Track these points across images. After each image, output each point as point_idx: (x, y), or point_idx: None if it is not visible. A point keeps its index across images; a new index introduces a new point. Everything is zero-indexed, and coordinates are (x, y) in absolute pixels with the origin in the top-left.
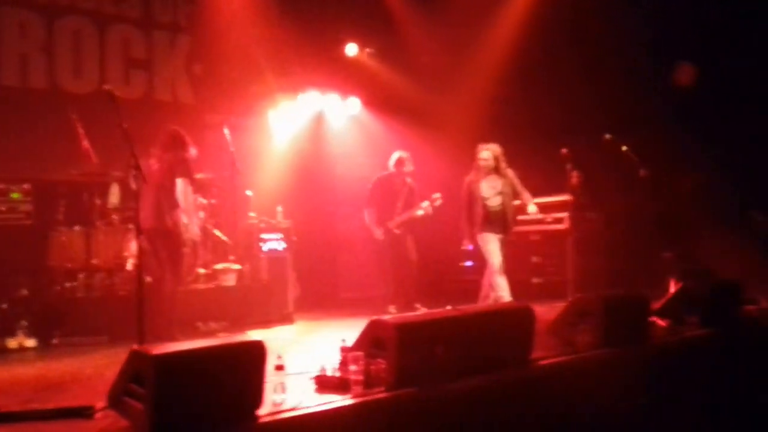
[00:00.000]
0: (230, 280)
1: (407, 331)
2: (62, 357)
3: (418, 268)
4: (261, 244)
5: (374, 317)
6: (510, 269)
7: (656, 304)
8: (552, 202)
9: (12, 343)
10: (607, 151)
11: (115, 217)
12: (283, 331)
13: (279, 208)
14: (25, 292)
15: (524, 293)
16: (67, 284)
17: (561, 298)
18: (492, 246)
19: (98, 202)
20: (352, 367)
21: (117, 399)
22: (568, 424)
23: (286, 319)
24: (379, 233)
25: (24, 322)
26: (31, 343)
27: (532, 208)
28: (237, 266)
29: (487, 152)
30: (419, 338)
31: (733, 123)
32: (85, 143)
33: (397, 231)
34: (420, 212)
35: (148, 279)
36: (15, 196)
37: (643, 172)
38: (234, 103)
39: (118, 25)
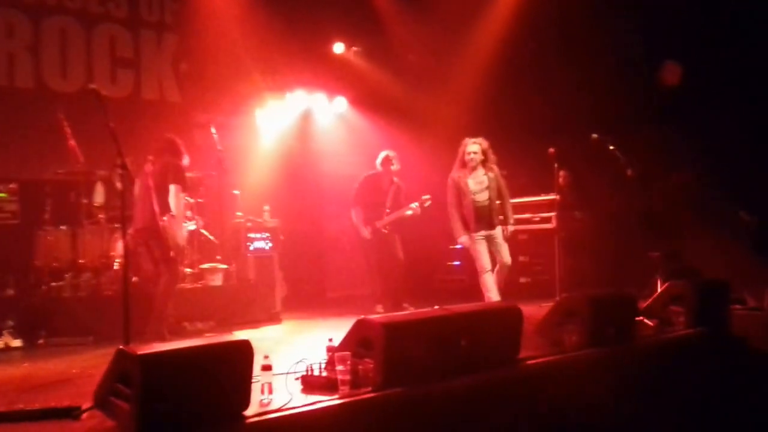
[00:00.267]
0: (217, 280)
1: (395, 331)
2: (48, 357)
3: (405, 267)
4: (248, 243)
5: (361, 317)
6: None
7: (644, 304)
8: (539, 201)
9: None
10: (595, 150)
11: (101, 216)
12: (270, 330)
13: (266, 208)
14: (11, 291)
15: (512, 293)
16: (54, 284)
17: (549, 298)
18: (479, 247)
19: (85, 201)
20: (339, 367)
21: (103, 399)
22: (556, 423)
23: (273, 318)
24: (366, 232)
25: (10, 322)
26: (17, 343)
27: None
28: (224, 266)
29: (476, 146)
30: (407, 338)
31: (720, 122)
32: (72, 142)
33: (385, 230)
34: (409, 212)
35: (135, 279)
36: (1, 195)
37: (630, 171)
38: (221, 102)
39: (104, 24)
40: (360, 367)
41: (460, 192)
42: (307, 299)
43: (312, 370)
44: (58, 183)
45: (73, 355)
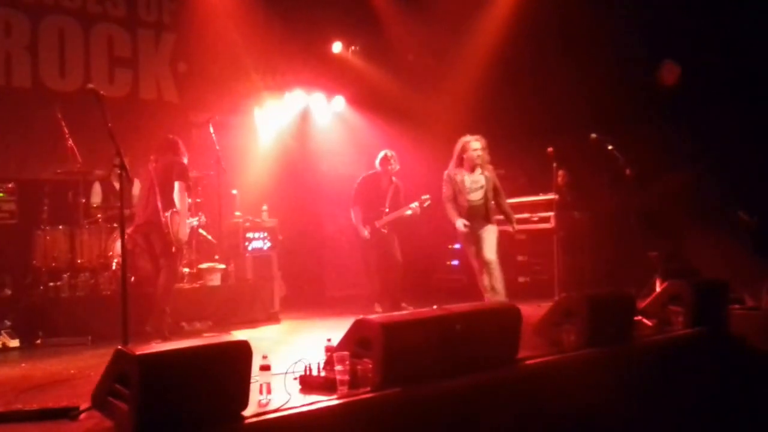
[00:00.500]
0: (215, 280)
1: (393, 331)
2: (46, 357)
3: (404, 267)
4: (246, 243)
5: (360, 316)
6: None
7: (642, 304)
8: (538, 201)
9: None
10: (593, 150)
11: (99, 216)
12: (268, 330)
13: (264, 207)
14: (8, 291)
15: (510, 292)
16: (52, 284)
17: (547, 297)
18: (468, 248)
19: (83, 201)
20: (338, 367)
21: (101, 400)
22: (555, 423)
23: (271, 318)
24: (365, 232)
25: (7, 322)
26: (14, 343)
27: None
28: (222, 266)
29: (478, 143)
30: (405, 338)
31: (719, 122)
32: (70, 142)
33: (384, 230)
34: (408, 212)
35: (133, 279)
36: None
37: (629, 171)
38: (219, 101)
39: (102, 23)
40: (359, 367)
41: (456, 189)
42: (306, 299)
43: (310, 370)
44: (56, 183)
45: (71, 355)
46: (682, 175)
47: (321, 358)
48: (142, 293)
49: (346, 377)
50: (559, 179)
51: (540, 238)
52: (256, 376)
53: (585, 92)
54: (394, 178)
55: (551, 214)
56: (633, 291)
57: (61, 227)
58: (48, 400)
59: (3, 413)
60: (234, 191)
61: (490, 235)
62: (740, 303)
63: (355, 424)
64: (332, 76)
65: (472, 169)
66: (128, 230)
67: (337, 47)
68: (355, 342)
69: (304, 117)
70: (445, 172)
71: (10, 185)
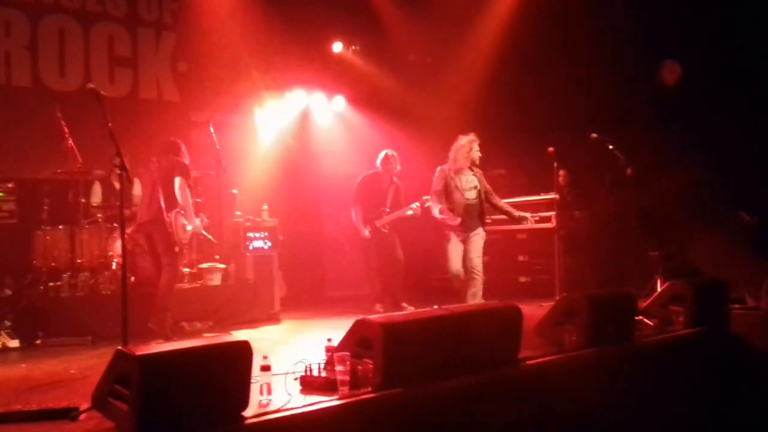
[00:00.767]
0: (215, 280)
1: (394, 331)
2: (46, 357)
3: (405, 267)
4: (247, 243)
5: (361, 317)
6: (497, 268)
7: (643, 303)
8: (539, 200)
9: None
10: (594, 149)
11: (99, 216)
12: (269, 331)
13: (265, 207)
14: (8, 291)
15: (512, 292)
16: (51, 284)
17: (548, 297)
18: (451, 247)
19: (83, 200)
20: (339, 368)
21: (101, 400)
22: (556, 423)
23: (272, 318)
24: (366, 232)
25: (7, 323)
26: (14, 343)
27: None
28: (222, 265)
29: (477, 144)
30: (406, 338)
31: (720, 122)
32: (70, 142)
33: (384, 230)
34: (409, 212)
35: (133, 279)
36: None
37: (629, 170)
38: (219, 101)
39: (102, 23)
40: (359, 367)
41: (451, 186)
42: (306, 299)
43: (311, 370)
44: (55, 182)
45: (70, 355)
46: (683, 174)
47: (321, 358)
48: (142, 293)
49: (347, 378)
50: (560, 179)
51: (541, 237)
52: (257, 377)
53: (586, 92)
54: (394, 178)
55: (552, 213)
56: (634, 291)
57: (60, 227)
58: (48, 401)
59: (2, 414)
60: (234, 191)
61: (479, 240)
62: (741, 303)
63: (356, 424)
64: (333, 76)
65: (466, 169)
66: (129, 230)
67: (337, 47)
68: (356, 342)
69: (305, 117)
70: (441, 167)
71: (9, 185)
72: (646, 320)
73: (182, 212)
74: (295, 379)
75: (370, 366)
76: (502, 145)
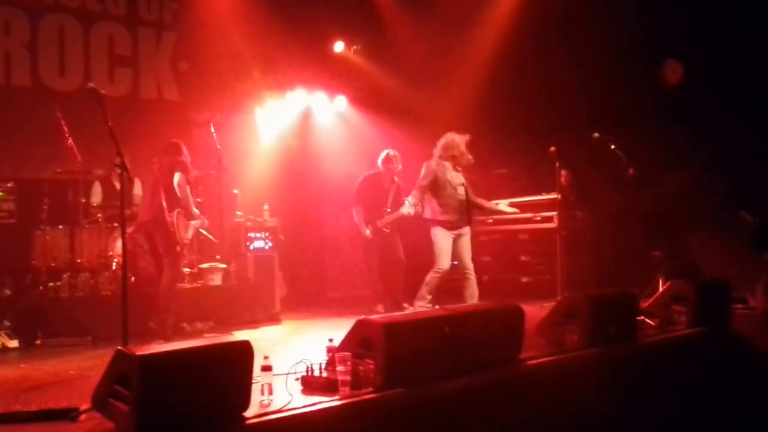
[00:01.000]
0: (216, 280)
1: (395, 331)
2: (45, 358)
3: (406, 267)
4: (247, 242)
5: (362, 317)
6: (499, 268)
7: (645, 303)
8: (541, 200)
9: None
10: (596, 149)
11: (99, 216)
12: (269, 331)
13: (266, 207)
14: (7, 291)
15: (513, 292)
16: (51, 284)
17: (550, 297)
18: (445, 244)
19: (83, 200)
20: (340, 368)
21: (101, 401)
22: (557, 423)
23: (272, 318)
24: (367, 232)
25: (6, 323)
26: (13, 343)
27: (506, 208)
28: (223, 265)
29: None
30: (407, 338)
31: (722, 121)
32: (70, 141)
33: (386, 230)
34: (408, 210)
35: (133, 279)
36: None
37: (631, 170)
38: (220, 100)
39: (103, 22)
40: (360, 367)
41: (440, 182)
42: (307, 299)
43: (312, 370)
44: (55, 182)
45: (70, 355)
46: (685, 174)
47: (323, 358)
48: (142, 293)
49: (348, 378)
50: (562, 179)
51: (543, 237)
52: (258, 377)
53: (587, 91)
54: (396, 178)
55: (554, 213)
56: (636, 291)
57: (60, 227)
58: (47, 401)
59: (2, 414)
60: (235, 191)
61: (468, 239)
62: (743, 302)
63: (357, 425)
64: (334, 76)
65: (456, 166)
66: (129, 230)
67: (339, 46)
68: (357, 342)
69: (306, 116)
70: (428, 162)
71: (9, 184)
72: (647, 320)
73: (182, 211)
74: (296, 379)
75: (372, 366)
76: (504, 145)
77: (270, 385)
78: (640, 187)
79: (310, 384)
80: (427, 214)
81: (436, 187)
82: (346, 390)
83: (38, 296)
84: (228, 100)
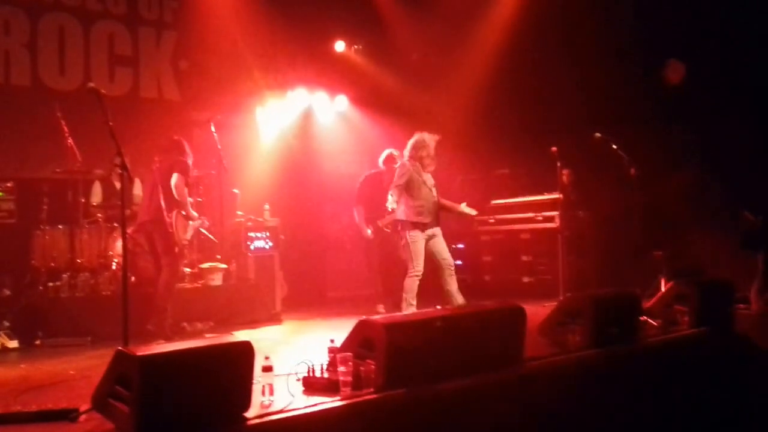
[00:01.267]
0: (217, 280)
1: (397, 332)
2: (45, 358)
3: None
4: (248, 242)
5: (363, 317)
6: (500, 268)
7: (647, 304)
8: (542, 200)
9: None
10: (597, 149)
11: (99, 216)
12: (270, 331)
13: (266, 207)
14: (7, 292)
15: (515, 292)
16: (51, 284)
17: (552, 297)
18: (420, 246)
19: (82, 200)
20: (341, 368)
21: (102, 401)
22: (559, 424)
23: (273, 319)
24: (368, 231)
25: (6, 323)
26: (13, 344)
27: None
28: (223, 265)
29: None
30: (409, 339)
31: (723, 121)
32: (70, 141)
33: (387, 230)
34: None
35: (133, 279)
36: None
37: (633, 170)
38: (221, 100)
39: (103, 21)
40: (362, 368)
41: (417, 182)
42: (308, 299)
43: (313, 371)
44: (55, 182)
45: (70, 356)
46: (687, 174)
47: (324, 359)
48: (142, 293)
49: (349, 378)
50: (564, 177)
51: (544, 237)
52: (259, 377)
53: (589, 91)
54: None
55: (556, 213)
56: (638, 291)
57: (60, 227)
58: (47, 402)
59: (2, 415)
60: (236, 191)
61: (442, 238)
62: (746, 303)
63: (359, 425)
64: (335, 75)
65: (428, 166)
66: (129, 230)
67: (340, 46)
68: (358, 343)
69: (307, 116)
70: (402, 161)
71: (8, 184)
72: (650, 320)
73: (183, 212)
74: (298, 380)
75: (373, 367)
76: (505, 145)
77: (271, 385)
78: (642, 187)
79: (311, 384)
80: (401, 216)
81: (411, 188)
82: (348, 390)
83: (38, 296)
84: (229, 100)
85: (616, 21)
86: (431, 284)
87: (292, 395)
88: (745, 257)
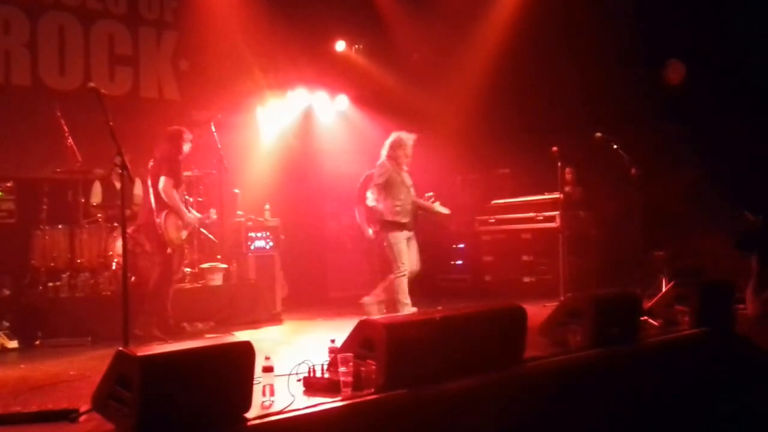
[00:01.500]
0: (217, 280)
1: (397, 332)
2: (45, 358)
3: None
4: (248, 242)
5: (364, 317)
6: (501, 268)
7: (648, 304)
8: (543, 200)
9: None
10: (598, 149)
11: (99, 216)
12: (271, 331)
13: (267, 206)
14: (7, 292)
15: (516, 292)
16: (51, 284)
17: (553, 297)
18: (403, 246)
19: (82, 200)
20: (342, 369)
21: (102, 402)
22: (560, 424)
23: (274, 319)
24: (370, 231)
25: (6, 323)
26: (13, 344)
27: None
28: (224, 265)
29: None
30: (410, 339)
31: (724, 121)
32: (70, 140)
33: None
34: None
35: (133, 279)
36: None
37: (634, 170)
38: (221, 99)
39: (103, 21)
40: (362, 368)
41: (397, 182)
42: (309, 299)
43: (314, 371)
44: (55, 182)
45: (70, 356)
46: (688, 174)
47: (324, 359)
48: (142, 294)
49: (350, 379)
50: (567, 175)
51: (545, 237)
52: (259, 378)
53: (589, 91)
54: None
55: (556, 213)
56: (639, 291)
57: (60, 227)
58: (47, 402)
59: (2, 415)
60: (236, 190)
61: (415, 243)
62: (745, 303)
63: (359, 426)
64: (335, 75)
65: (405, 166)
66: (130, 230)
67: (340, 46)
68: (359, 343)
69: (307, 116)
70: (383, 161)
71: (8, 184)
72: (651, 320)
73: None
74: (298, 380)
75: (374, 367)
76: (506, 145)
77: (271, 385)
78: (643, 187)
79: (312, 385)
80: (386, 216)
81: (391, 188)
82: (348, 391)
83: (38, 296)
84: (229, 100)
85: (616, 21)
86: (431, 284)
87: (293, 395)
88: (745, 257)
